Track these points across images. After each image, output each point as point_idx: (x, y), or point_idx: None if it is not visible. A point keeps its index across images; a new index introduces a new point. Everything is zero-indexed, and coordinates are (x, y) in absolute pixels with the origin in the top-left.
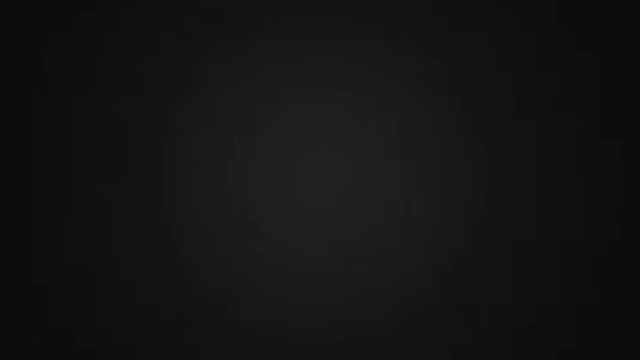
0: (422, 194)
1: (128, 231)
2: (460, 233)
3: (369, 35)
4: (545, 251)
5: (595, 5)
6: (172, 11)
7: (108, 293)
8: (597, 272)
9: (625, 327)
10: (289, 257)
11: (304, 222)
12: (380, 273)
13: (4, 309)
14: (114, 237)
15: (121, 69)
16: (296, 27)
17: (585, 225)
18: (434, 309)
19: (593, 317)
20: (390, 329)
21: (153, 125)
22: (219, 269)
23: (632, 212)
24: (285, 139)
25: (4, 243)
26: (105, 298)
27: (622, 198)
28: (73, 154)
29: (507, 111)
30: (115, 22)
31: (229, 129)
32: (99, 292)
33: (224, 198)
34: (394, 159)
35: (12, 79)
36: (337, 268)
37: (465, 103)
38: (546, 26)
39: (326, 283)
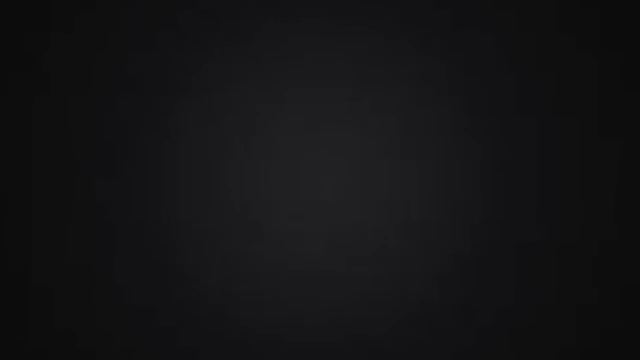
0: (421, 194)
1: (128, 231)
2: (460, 233)
3: (369, 35)
4: (545, 251)
5: (595, 6)
6: (172, 11)
7: (108, 293)
8: (596, 272)
9: (624, 327)
10: (289, 257)
11: (304, 222)
12: (380, 273)
13: (4, 309)
14: (114, 237)
15: (121, 69)
16: (296, 27)
17: (584, 225)
18: (434, 309)
19: (592, 317)
20: (390, 329)
21: (153, 125)
22: (219, 269)
23: (631, 212)
24: (285, 139)
25: (4, 243)
26: (105, 298)
27: (621, 198)
28: (73, 154)
29: (507, 112)
30: (115, 22)
31: (229, 129)
32: (99, 292)
33: (224, 198)
34: (394, 159)
35: (12, 79)
36: (337, 268)
37: (465, 103)
38: (546, 27)
39: (326, 283)
